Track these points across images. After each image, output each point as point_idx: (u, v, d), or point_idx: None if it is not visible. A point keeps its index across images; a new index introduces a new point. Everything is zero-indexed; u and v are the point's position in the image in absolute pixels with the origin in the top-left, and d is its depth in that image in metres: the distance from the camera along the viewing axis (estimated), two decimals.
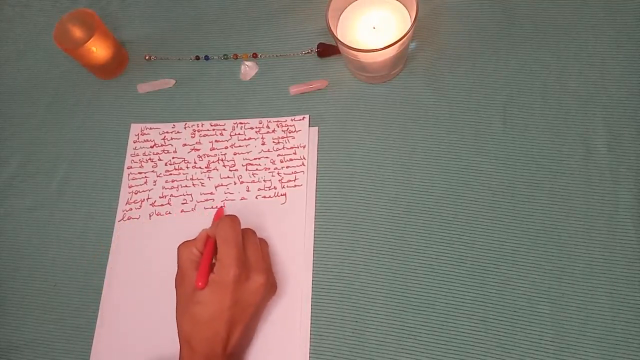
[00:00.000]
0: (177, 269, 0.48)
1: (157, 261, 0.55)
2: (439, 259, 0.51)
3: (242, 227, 0.47)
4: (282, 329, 0.50)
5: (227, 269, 0.44)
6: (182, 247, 0.48)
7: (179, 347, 0.46)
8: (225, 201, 0.56)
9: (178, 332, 0.46)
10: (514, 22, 0.58)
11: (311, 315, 0.50)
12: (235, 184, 0.57)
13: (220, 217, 0.53)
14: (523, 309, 0.48)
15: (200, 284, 0.44)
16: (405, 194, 0.53)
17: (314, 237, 0.53)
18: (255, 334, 0.50)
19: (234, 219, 0.47)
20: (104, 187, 0.59)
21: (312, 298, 0.51)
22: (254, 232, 0.49)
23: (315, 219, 0.54)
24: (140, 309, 0.53)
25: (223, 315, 0.44)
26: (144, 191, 0.58)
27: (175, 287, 0.48)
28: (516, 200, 0.51)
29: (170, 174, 0.58)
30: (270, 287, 0.48)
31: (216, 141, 0.59)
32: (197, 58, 0.64)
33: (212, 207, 0.56)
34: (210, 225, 0.50)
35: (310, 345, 0.49)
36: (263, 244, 0.50)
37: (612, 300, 0.47)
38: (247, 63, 0.62)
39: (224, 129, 0.59)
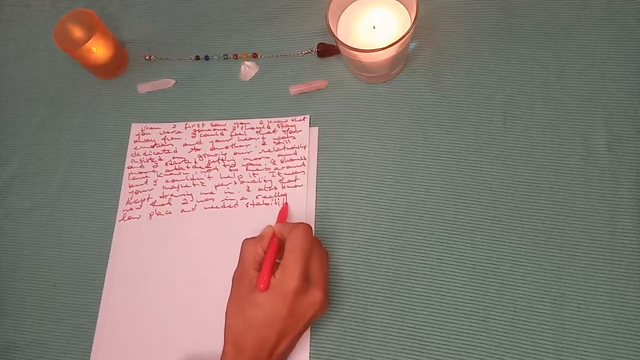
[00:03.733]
0: (238, 263, 0.47)
1: (158, 261, 0.55)
2: (439, 259, 0.51)
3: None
4: None
5: (290, 279, 0.43)
6: (247, 243, 0.47)
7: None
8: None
9: (225, 327, 0.45)
10: (514, 22, 0.58)
11: None
12: (235, 183, 0.57)
13: (285, 215, 0.53)
14: (523, 309, 0.48)
15: (262, 286, 0.44)
16: (405, 194, 0.53)
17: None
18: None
19: (308, 229, 0.46)
20: (104, 187, 0.59)
21: None
22: (320, 243, 0.49)
23: (315, 219, 0.54)
24: (141, 309, 0.53)
25: (277, 324, 0.43)
26: (144, 191, 0.58)
27: (233, 280, 0.47)
28: (516, 200, 0.51)
29: (171, 174, 0.58)
30: (326, 304, 0.47)
31: (217, 141, 0.59)
32: (197, 58, 0.64)
33: (212, 207, 0.56)
34: (272, 222, 0.49)
35: (310, 345, 0.49)
36: (325, 254, 0.49)
37: (612, 300, 0.47)
38: (247, 63, 0.62)
39: (224, 129, 0.59)
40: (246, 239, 0.48)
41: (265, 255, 0.46)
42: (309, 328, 0.49)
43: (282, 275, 0.44)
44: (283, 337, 0.44)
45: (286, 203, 0.55)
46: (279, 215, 0.53)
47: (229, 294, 0.46)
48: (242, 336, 0.44)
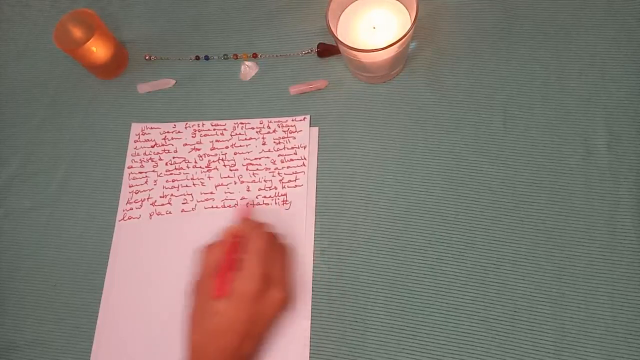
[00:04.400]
0: (199, 271, 0.46)
1: (158, 261, 0.55)
2: (439, 259, 0.51)
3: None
4: (282, 329, 0.50)
5: (248, 283, 0.43)
6: (210, 251, 0.46)
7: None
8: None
9: (186, 339, 0.45)
10: (514, 22, 0.58)
11: (311, 316, 0.50)
12: (235, 183, 0.57)
13: (247, 214, 0.51)
14: (523, 309, 0.48)
15: (220, 293, 0.43)
16: (405, 194, 0.53)
17: (314, 237, 0.53)
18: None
19: (268, 230, 0.46)
20: (104, 187, 0.59)
21: (312, 298, 0.51)
22: (280, 240, 0.48)
23: (315, 219, 0.54)
24: (141, 309, 0.53)
25: (237, 328, 0.43)
26: (144, 191, 0.58)
27: (194, 292, 0.46)
28: (516, 200, 0.51)
29: (171, 174, 0.58)
30: (289, 303, 0.47)
31: (217, 141, 0.59)
32: (197, 58, 0.64)
33: (212, 207, 0.56)
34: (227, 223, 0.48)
35: (310, 345, 0.49)
36: (287, 250, 0.49)
37: (612, 300, 0.47)
38: (247, 63, 0.62)
39: (224, 129, 0.59)
40: (207, 246, 0.47)
41: (224, 260, 0.45)
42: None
43: (241, 279, 0.43)
44: (245, 340, 0.44)
45: (249, 203, 0.54)
46: (239, 215, 0.51)
47: (189, 305, 0.45)
48: (203, 346, 0.43)
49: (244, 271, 0.44)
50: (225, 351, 0.43)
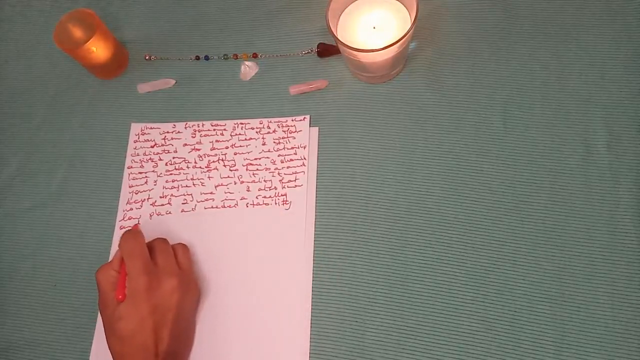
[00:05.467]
0: (98, 294, 0.48)
1: None
2: (439, 259, 0.51)
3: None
4: (282, 329, 0.50)
5: (136, 279, 0.46)
6: (100, 272, 0.49)
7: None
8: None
9: (112, 355, 0.46)
10: (514, 22, 0.58)
11: (311, 315, 0.50)
12: (235, 183, 0.57)
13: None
14: (523, 309, 0.48)
15: (120, 296, 0.46)
16: (405, 194, 0.53)
17: (314, 237, 0.53)
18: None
19: (134, 232, 0.49)
20: (104, 187, 0.59)
21: (312, 298, 0.51)
22: (162, 240, 0.51)
23: (315, 219, 0.54)
24: None
25: (145, 324, 0.45)
26: (144, 191, 0.58)
27: (100, 312, 0.49)
28: (516, 200, 0.51)
29: (171, 174, 0.58)
30: (188, 288, 0.49)
31: (217, 141, 0.59)
32: (197, 58, 0.64)
33: (212, 207, 0.56)
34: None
35: (310, 345, 0.49)
36: (181, 248, 0.52)
37: (612, 300, 0.47)
38: (247, 63, 0.62)
39: (224, 129, 0.59)
40: (98, 269, 0.49)
41: (119, 275, 0.48)
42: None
43: (129, 280, 0.46)
44: (159, 333, 0.45)
45: (136, 224, 0.55)
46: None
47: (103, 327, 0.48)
48: (123, 353, 0.45)
49: (129, 274, 0.47)
50: (145, 351, 0.44)
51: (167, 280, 0.47)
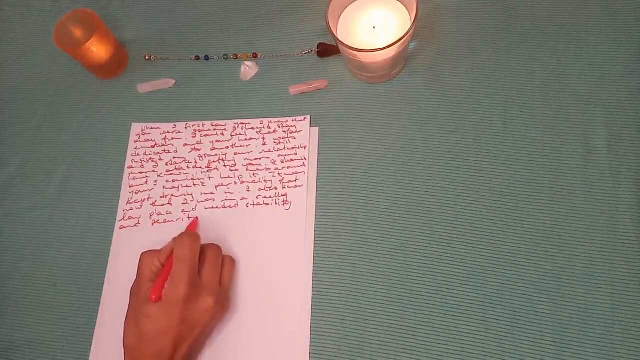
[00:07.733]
0: (136, 276, 0.48)
1: None
2: (439, 259, 0.51)
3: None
4: (282, 329, 0.50)
5: (177, 287, 0.45)
6: (145, 256, 0.48)
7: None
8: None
9: (123, 339, 0.46)
10: (514, 22, 0.58)
11: (311, 316, 0.50)
12: (235, 184, 0.57)
13: (193, 228, 0.53)
14: (523, 309, 0.48)
15: (153, 297, 0.45)
16: (405, 194, 0.53)
17: (315, 237, 0.53)
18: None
19: (192, 237, 0.48)
20: (104, 187, 0.59)
21: (312, 298, 0.51)
22: (216, 251, 0.50)
23: (315, 219, 0.54)
24: None
25: (170, 331, 0.45)
26: (144, 191, 0.58)
27: (130, 294, 0.48)
28: (516, 200, 0.51)
29: (171, 174, 0.58)
30: (222, 307, 0.49)
31: (217, 141, 0.59)
32: (197, 58, 0.64)
33: (212, 207, 0.56)
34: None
35: (310, 345, 0.49)
36: (228, 262, 0.51)
37: (612, 300, 0.47)
38: (247, 63, 0.62)
39: (224, 129, 0.59)
40: (144, 252, 0.49)
41: (162, 268, 0.47)
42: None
43: (171, 285, 0.45)
44: (179, 344, 0.45)
45: (196, 218, 0.55)
46: (186, 229, 0.53)
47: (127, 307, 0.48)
48: (138, 349, 0.45)
49: (173, 277, 0.46)
50: (160, 356, 0.44)
51: (205, 297, 0.46)
